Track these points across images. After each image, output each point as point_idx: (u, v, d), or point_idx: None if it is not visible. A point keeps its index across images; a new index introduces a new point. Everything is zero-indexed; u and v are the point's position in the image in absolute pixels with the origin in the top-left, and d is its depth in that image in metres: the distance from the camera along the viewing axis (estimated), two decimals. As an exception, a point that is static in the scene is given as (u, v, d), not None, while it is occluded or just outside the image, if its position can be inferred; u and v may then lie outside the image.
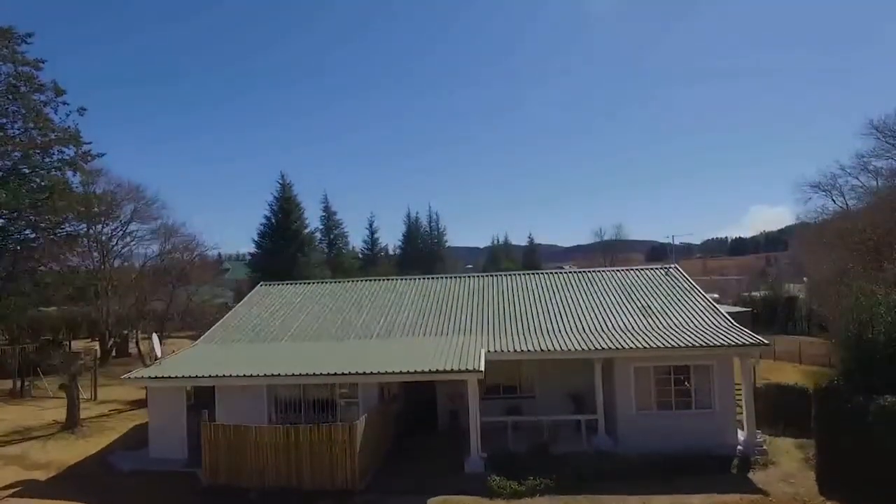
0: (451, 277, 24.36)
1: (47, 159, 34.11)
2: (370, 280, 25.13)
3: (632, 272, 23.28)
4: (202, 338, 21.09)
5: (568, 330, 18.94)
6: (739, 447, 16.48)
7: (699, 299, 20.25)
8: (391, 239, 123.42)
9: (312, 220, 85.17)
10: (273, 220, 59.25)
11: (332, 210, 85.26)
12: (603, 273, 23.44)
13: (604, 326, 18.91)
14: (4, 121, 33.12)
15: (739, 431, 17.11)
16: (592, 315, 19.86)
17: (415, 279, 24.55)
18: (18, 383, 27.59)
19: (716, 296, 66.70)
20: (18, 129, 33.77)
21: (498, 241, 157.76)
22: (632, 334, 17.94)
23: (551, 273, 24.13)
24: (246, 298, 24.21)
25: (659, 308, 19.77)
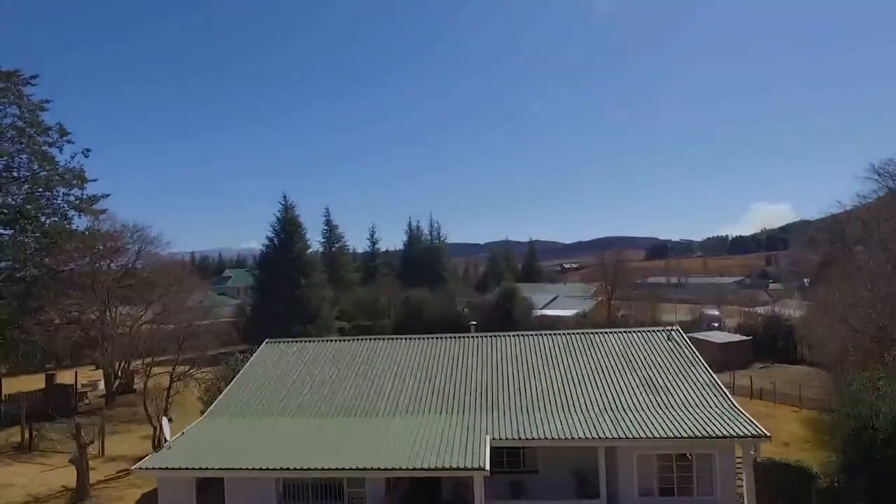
0: (453, 338, 24.49)
1: (54, 201, 34.38)
2: (373, 339, 25.31)
3: (633, 334, 23.50)
4: (211, 408, 21.35)
5: (572, 406, 19.21)
6: (740, 536, 16.76)
7: (701, 372, 20.47)
8: (393, 242, 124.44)
9: (313, 233, 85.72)
10: (275, 242, 59.61)
11: (334, 224, 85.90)
12: (605, 336, 23.63)
13: (607, 404, 19.16)
14: (11, 161, 33.34)
15: (740, 513, 17.38)
16: (595, 389, 20.10)
17: (418, 339, 24.70)
18: (26, 434, 27.83)
19: (716, 313, 67.20)
20: (24, 171, 34.01)
21: (498, 240, 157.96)
22: (636, 414, 18.26)
23: (553, 334, 24.27)
24: (253, 358, 24.46)
25: (661, 383, 20.01)
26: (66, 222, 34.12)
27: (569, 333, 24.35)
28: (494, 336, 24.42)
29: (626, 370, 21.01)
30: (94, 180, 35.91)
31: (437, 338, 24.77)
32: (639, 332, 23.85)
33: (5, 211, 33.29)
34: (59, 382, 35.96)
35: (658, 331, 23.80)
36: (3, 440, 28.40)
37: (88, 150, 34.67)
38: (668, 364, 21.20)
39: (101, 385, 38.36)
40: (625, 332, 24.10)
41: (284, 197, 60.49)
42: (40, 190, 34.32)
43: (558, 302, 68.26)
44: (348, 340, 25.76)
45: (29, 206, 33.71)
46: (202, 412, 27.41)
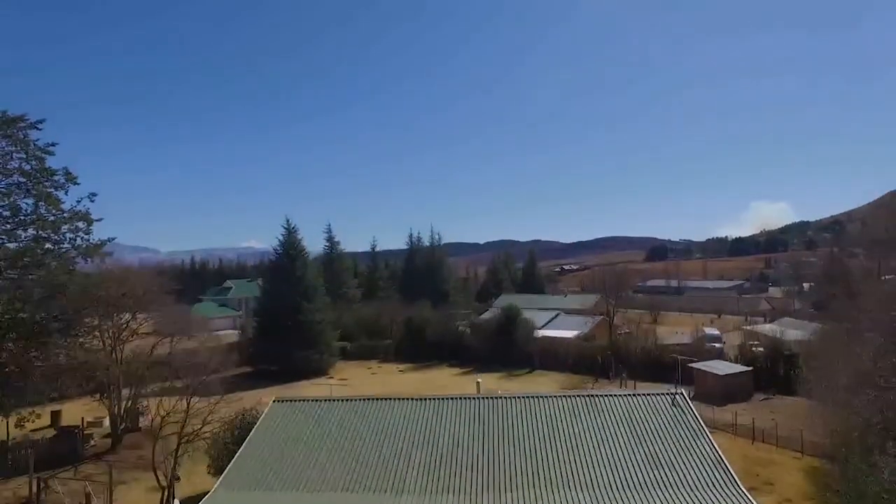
0: (459, 399, 24.78)
1: (60, 246, 34.43)
2: (379, 400, 25.56)
3: (636, 399, 23.74)
4: (223, 478, 21.51)
5: (577, 483, 19.49)
6: None
7: (705, 445, 20.72)
8: (394, 242, 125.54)
9: (313, 238, 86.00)
10: (278, 264, 59.93)
11: (336, 240, 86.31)
12: (608, 400, 23.85)
13: (613, 480, 19.44)
14: (17, 206, 33.42)
15: None
16: (600, 462, 20.36)
17: (425, 401, 24.97)
18: (34, 486, 27.94)
19: (716, 332, 67.51)
20: (30, 215, 34.08)
21: (498, 240, 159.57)
22: (641, 493, 18.63)
23: (557, 397, 24.54)
24: (261, 420, 24.65)
25: (666, 457, 20.29)
26: (72, 267, 34.20)
27: (573, 396, 24.64)
28: (500, 398, 24.73)
29: (631, 441, 21.24)
30: (100, 220, 35.90)
31: (443, 399, 25.03)
32: (643, 395, 24.09)
33: (11, 256, 33.40)
34: (65, 425, 36.17)
35: (662, 394, 24.02)
36: (11, 493, 28.60)
37: (94, 195, 34.59)
38: (672, 435, 21.44)
39: (106, 422, 38.56)
40: (630, 395, 24.41)
41: (287, 220, 60.82)
42: (46, 233, 34.41)
43: (559, 321, 68.44)
44: (355, 400, 25.99)
45: (39, 250, 33.85)
46: (209, 466, 27.90)
